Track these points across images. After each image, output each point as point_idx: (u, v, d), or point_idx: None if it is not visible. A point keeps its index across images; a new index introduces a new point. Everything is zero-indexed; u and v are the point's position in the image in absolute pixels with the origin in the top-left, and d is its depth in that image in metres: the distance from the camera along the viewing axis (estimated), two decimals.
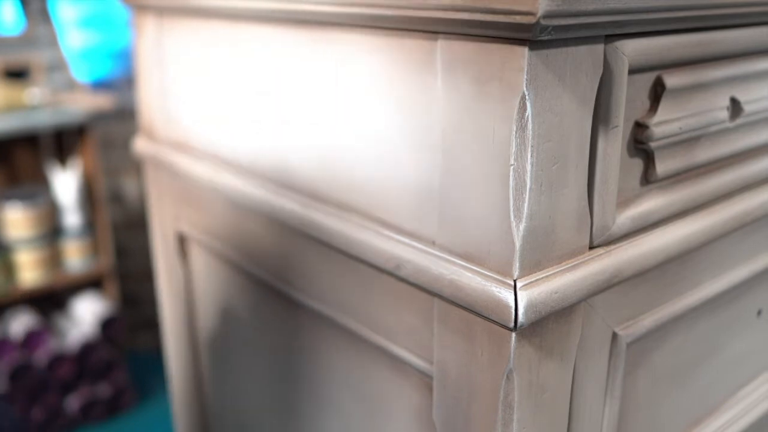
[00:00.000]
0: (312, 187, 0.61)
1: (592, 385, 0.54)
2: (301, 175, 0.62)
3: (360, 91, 0.54)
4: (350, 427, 0.67)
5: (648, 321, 0.57)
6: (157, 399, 2.09)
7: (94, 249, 1.97)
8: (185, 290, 0.87)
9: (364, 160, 0.55)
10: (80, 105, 1.85)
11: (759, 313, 0.74)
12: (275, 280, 0.69)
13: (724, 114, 0.56)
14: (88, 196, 1.96)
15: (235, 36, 0.66)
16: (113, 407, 2.00)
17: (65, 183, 1.90)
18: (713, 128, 0.56)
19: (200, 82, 0.73)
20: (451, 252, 0.49)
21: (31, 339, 1.85)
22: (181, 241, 0.85)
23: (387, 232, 0.53)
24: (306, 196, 0.61)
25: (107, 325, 1.96)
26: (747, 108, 0.58)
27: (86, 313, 1.96)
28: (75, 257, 1.94)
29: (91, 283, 2.02)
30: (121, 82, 2.06)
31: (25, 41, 1.90)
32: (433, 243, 0.50)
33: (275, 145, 0.64)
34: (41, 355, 1.85)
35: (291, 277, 0.66)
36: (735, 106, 0.57)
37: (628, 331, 0.55)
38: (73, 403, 1.92)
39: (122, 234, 2.19)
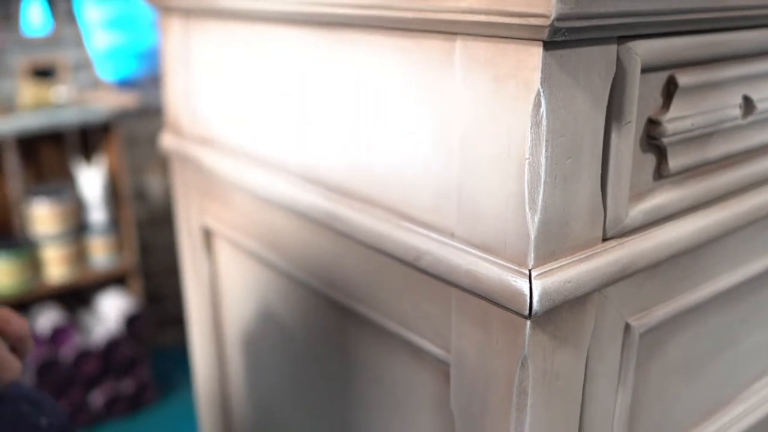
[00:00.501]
0: (335, 182, 0.63)
1: (604, 374, 0.56)
2: (324, 170, 0.64)
3: (381, 91, 0.56)
4: (371, 416, 0.69)
5: (661, 312, 0.58)
6: (180, 395, 2.12)
7: (119, 246, 2.01)
8: (211, 284, 0.90)
9: (385, 156, 0.57)
10: (105, 103, 1.88)
11: None
12: (300, 273, 0.71)
13: (737, 112, 0.58)
14: (113, 193, 2.00)
15: (259, 37, 0.69)
16: (136, 403, 2.04)
17: (90, 180, 1.94)
18: (726, 125, 0.57)
19: (225, 81, 0.75)
20: (468, 243, 0.51)
21: (57, 335, 1.89)
22: (207, 235, 0.88)
23: (407, 225, 0.55)
24: (329, 190, 0.64)
25: (131, 322, 1.99)
26: (760, 106, 0.59)
27: (111, 310, 1.99)
28: (100, 254, 1.98)
29: (116, 279, 2.06)
30: (145, 81, 2.10)
31: (52, 42, 1.94)
32: (451, 235, 0.52)
33: (299, 142, 0.66)
34: (67, 351, 1.89)
35: (314, 269, 0.69)
36: (748, 104, 0.59)
37: (641, 322, 0.57)
38: (97, 398, 1.96)
39: (146, 231, 2.23)
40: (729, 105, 0.57)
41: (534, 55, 0.43)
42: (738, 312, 0.69)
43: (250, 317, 0.85)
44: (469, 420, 0.55)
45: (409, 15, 0.49)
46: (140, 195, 2.22)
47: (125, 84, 2.11)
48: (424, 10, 0.48)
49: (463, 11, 0.45)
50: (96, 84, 2.04)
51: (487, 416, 0.53)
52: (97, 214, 1.98)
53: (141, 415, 2.04)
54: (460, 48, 0.48)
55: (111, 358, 1.96)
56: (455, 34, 0.48)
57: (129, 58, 2.09)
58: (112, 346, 1.95)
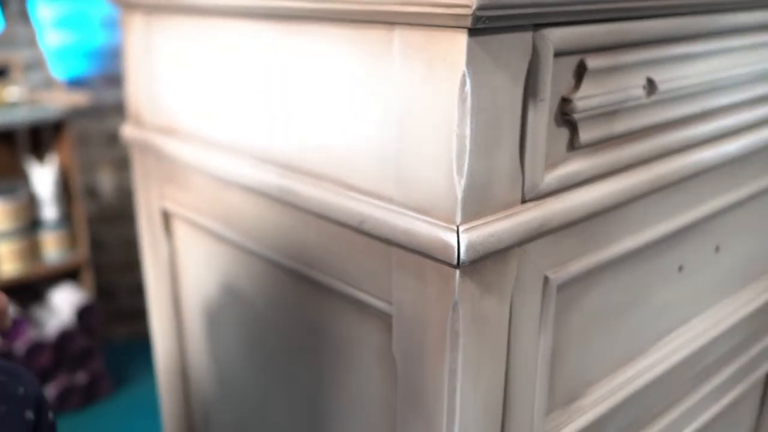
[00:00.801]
0: (287, 160, 0.70)
1: (527, 320, 0.64)
2: (277, 150, 0.71)
3: (329, 76, 0.63)
4: (323, 373, 0.76)
5: (575, 267, 0.67)
6: (133, 388, 2.16)
7: (71, 241, 2.04)
8: (170, 264, 0.96)
9: (333, 134, 0.64)
10: (57, 102, 1.91)
11: (680, 268, 0.85)
12: (256, 246, 0.78)
13: (641, 92, 0.66)
14: (65, 190, 2.03)
15: (217, 30, 0.75)
16: (90, 395, 2.07)
17: (43, 177, 1.97)
18: (631, 103, 0.66)
19: (185, 73, 0.82)
20: (405, 206, 0.58)
21: (10, 329, 1.91)
22: (166, 219, 0.94)
23: (352, 194, 0.63)
24: (282, 168, 0.71)
25: (84, 315, 2.03)
26: (662, 87, 0.68)
27: (63, 304, 2.02)
28: (52, 249, 2.01)
29: (68, 274, 2.09)
30: (96, 80, 2.13)
31: (4, 41, 1.96)
32: (391, 200, 0.60)
33: (255, 126, 0.73)
34: (20, 345, 1.92)
35: (269, 241, 0.75)
36: (651, 85, 0.68)
37: (557, 275, 0.65)
38: (50, 390, 1.98)
39: (97, 228, 2.26)
40: (633, 86, 0.66)
41: (460, 40, 0.51)
42: (645, 272, 0.78)
43: (208, 291, 0.91)
44: (409, 363, 0.63)
45: (355, 7, 0.56)
46: (91, 192, 2.25)
47: (76, 83, 2.14)
48: (367, 3, 0.55)
49: (401, 3, 0.52)
50: (49, 83, 2.06)
51: (425, 358, 0.61)
52: (49, 210, 2.00)
53: (94, 408, 2.07)
54: (398, 36, 0.56)
55: (64, 350, 1.99)
56: (394, 23, 0.56)
57: (79, 57, 2.12)
58: (65, 338, 1.98)
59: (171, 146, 0.85)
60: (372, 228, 0.61)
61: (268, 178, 0.72)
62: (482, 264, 0.57)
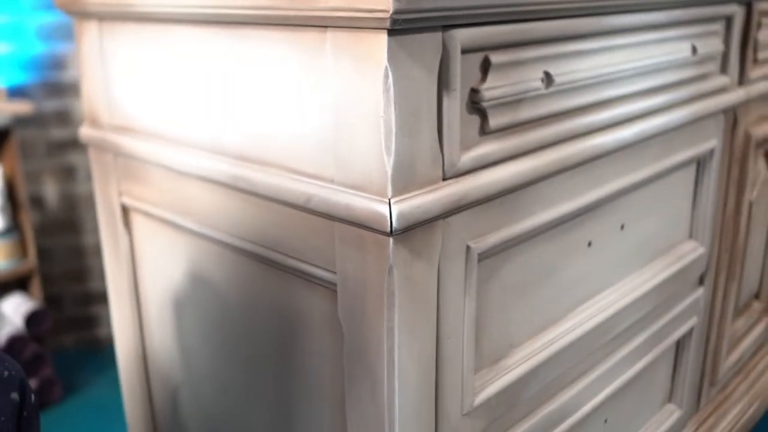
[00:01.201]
0: (238, 151, 0.79)
1: (453, 285, 0.74)
2: (228, 143, 0.80)
3: (271, 74, 0.72)
4: (279, 342, 0.85)
5: (494, 238, 0.77)
6: (82, 395, 2.19)
7: (19, 250, 2.07)
8: (130, 256, 1.03)
9: (277, 125, 0.73)
10: (1, 111, 1.95)
11: (589, 244, 0.96)
12: (211, 232, 0.86)
13: (539, 83, 0.77)
14: (10, 199, 2.06)
15: (168, 35, 0.84)
16: (41, 401, 2.10)
17: None
18: (531, 94, 0.76)
19: (140, 76, 0.90)
20: (345, 185, 0.68)
21: None
22: (125, 213, 1.01)
23: (297, 177, 0.72)
24: (234, 158, 0.79)
25: (33, 321, 2.06)
26: (558, 79, 0.79)
27: (12, 312, 2.05)
28: (0, 258, 2.04)
29: (16, 283, 2.12)
30: (35, 90, 2.16)
31: None
32: (332, 180, 0.69)
33: (207, 122, 0.82)
34: None
35: (224, 226, 0.84)
36: (548, 78, 0.78)
37: (478, 245, 0.75)
38: None
39: (43, 238, 2.29)
40: (533, 78, 0.76)
41: (381, 40, 0.61)
42: (558, 247, 0.89)
43: (168, 280, 0.99)
44: (353, 325, 0.72)
45: (292, 13, 0.66)
46: (36, 202, 2.27)
47: (15, 93, 2.16)
48: (302, 9, 0.64)
49: (331, 9, 0.62)
50: None
51: (366, 319, 0.70)
52: None
53: (46, 414, 2.10)
54: (330, 37, 0.65)
55: (14, 357, 2.01)
56: (326, 27, 0.65)
57: (16, 67, 2.15)
58: (14, 344, 2.01)
59: (128, 144, 0.93)
60: (316, 205, 0.70)
61: (221, 167, 0.80)
62: (412, 233, 0.67)
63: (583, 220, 0.93)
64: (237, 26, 0.74)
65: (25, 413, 0.73)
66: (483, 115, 0.72)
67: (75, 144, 2.15)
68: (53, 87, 2.15)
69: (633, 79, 0.92)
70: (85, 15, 0.95)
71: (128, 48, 0.91)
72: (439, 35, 0.65)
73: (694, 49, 1.03)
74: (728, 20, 1.12)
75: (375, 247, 0.67)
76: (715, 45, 1.09)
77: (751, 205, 1.38)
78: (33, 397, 0.74)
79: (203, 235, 0.88)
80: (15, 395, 0.72)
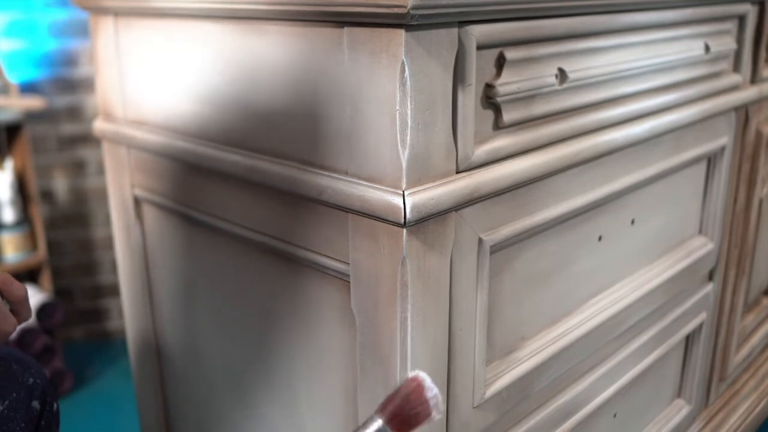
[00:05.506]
0: (252, 143, 0.80)
1: (465, 277, 0.75)
2: (242, 135, 0.81)
3: (288, 69, 0.73)
4: (290, 333, 0.86)
5: (506, 231, 0.78)
6: (92, 386, 2.21)
7: (30, 243, 2.08)
8: (142, 247, 1.04)
9: (293, 118, 0.74)
10: (13, 106, 1.96)
11: (600, 239, 0.96)
12: (223, 224, 0.87)
13: (553, 80, 0.78)
14: (21, 193, 2.08)
15: (183, 31, 0.85)
16: None
17: (0, 180, 2.01)
18: (545, 90, 0.77)
19: (154, 70, 0.91)
20: (359, 177, 0.68)
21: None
22: (138, 205, 1.02)
23: (312, 169, 0.73)
24: (248, 150, 0.80)
25: (44, 313, 2.07)
26: (571, 76, 0.80)
27: None
28: (10, 251, 2.05)
29: (27, 276, 2.13)
30: (46, 86, 2.17)
31: None
32: (346, 173, 0.70)
33: (222, 115, 0.83)
34: None
35: (236, 218, 0.85)
36: (562, 74, 0.79)
37: (490, 237, 0.76)
38: None
39: (53, 231, 2.30)
40: (547, 74, 0.77)
41: (399, 35, 0.61)
42: (568, 241, 0.90)
43: (179, 270, 1.00)
44: (366, 316, 0.73)
45: (308, 8, 0.66)
46: (46, 196, 2.29)
47: (27, 88, 2.18)
48: (319, 4, 0.65)
49: (348, 4, 0.63)
50: (5, 88, 2.11)
51: (379, 310, 0.71)
52: (7, 213, 2.05)
53: None
54: (347, 33, 0.66)
55: (25, 348, 2.03)
56: (343, 22, 0.66)
57: (28, 63, 2.17)
58: (25, 336, 2.02)
59: (142, 137, 0.94)
60: (330, 198, 0.71)
61: (235, 159, 0.81)
62: (425, 225, 0.68)
63: (594, 215, 0.94)
64: (253, 21, 0.75)
65: (42, 422, 0.73)
66: (497, 110, 0.73)
67: (85, 139, 2.16)
68: (65, 83, 2.17)
69: (645, 77, 0.93)
70: (101, 11, 0.96)
71: (143, 43, 0.91)
72: (455, 31, 0.65)
73: (707, 48, 1.03)
74: (741, 19, 1.12)
75: (388, 239, 0.68)
76: (727, 43, 1.09)
77: (761, 201, 1.39)
78: (56, 405, 0.74)
79: (216, 227, 0.89)
80: (36, 403, 0.72)
